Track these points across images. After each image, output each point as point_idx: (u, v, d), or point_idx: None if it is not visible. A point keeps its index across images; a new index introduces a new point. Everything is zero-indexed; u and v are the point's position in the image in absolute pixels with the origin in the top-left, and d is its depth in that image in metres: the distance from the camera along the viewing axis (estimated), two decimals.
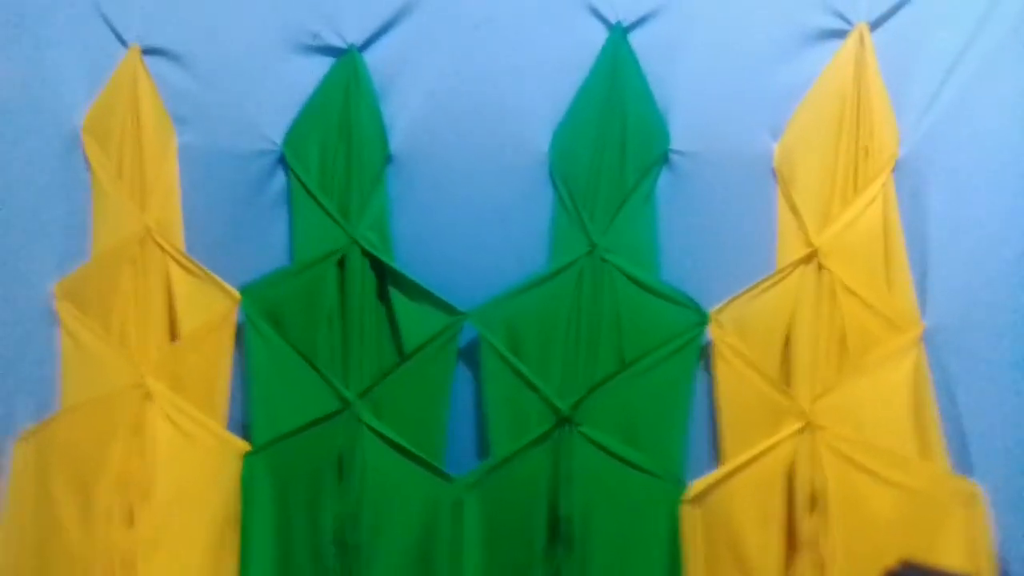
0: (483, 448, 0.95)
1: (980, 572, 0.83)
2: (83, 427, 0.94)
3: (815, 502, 0.87)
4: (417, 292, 0.92)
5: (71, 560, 0.94)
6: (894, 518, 0.86)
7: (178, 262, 0.94)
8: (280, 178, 0.95)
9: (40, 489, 0.95)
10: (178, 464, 0.93)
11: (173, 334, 0.96)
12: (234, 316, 0.94)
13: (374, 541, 0.92)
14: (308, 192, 0.92)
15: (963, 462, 0.86)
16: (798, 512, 0.88)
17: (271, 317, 0.93)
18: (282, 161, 0.94)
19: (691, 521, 0.89)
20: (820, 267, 0.88)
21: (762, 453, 0.87)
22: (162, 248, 0.94)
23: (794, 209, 0.88)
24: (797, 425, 0.87)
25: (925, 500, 0.85)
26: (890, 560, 0.86)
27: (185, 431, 0.93)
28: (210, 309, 0.93)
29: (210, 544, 0.93)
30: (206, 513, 0.93)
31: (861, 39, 0.86)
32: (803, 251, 0.88)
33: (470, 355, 0.94)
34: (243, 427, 0.95)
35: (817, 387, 0.88)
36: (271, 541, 0.92)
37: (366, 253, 0.92)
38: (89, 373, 0.94)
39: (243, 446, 0.93)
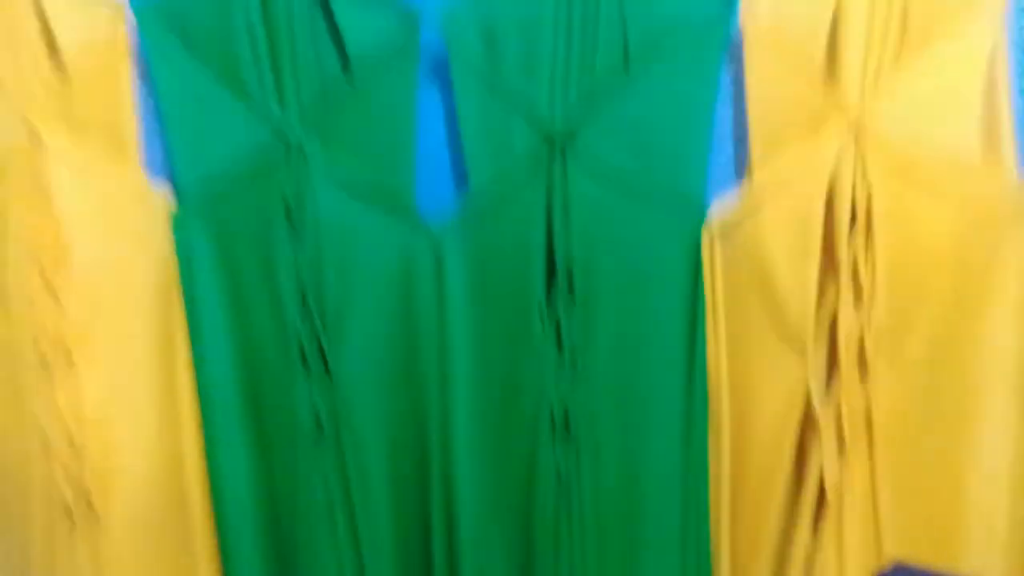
0: (460, 185, 0.79)
1: None
2: None
3: (857, 221, 0.74)
4: None
5: None
6: (949, 236, 0.73)
7: None
8: None
9: None
10: (93, 227, 0.77)
11: (57, 70, 0.76)
12: (128, 36, 0.75)
13: (343, 302, 0.79)
14: None
15: None
16: (837, 235, 0.75)
17: (175, 32, 0.73)
18: None
19: (713, 255, 0.76)
20: None
21: (799, 167, 0.73)
22: None
23: None
24: (841, 129, 0.72)
25: (986, 212, 0.72)
26: (940, 286, 0.74)
27: (95, 187, 0.76)
28: (94, 27, 0.74)
29: (154, 314, 0.80)
30: (140, 280, 0.79)
31: None
32: None
33: (437, 70, 0.76)
34: (166, 175, 0.79)
35: (868, 82, 0.72)
36: (222, 311, 0.79)
37: None
38: None
39: (169, 199, 0.77)
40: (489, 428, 0.81)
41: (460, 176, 0.79)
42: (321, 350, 0.80)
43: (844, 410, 0.78)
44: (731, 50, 0.74)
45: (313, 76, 0.75)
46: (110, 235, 0.78)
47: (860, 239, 0.75)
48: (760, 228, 0.75)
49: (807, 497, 0.80)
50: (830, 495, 0.79)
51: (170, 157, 0.77)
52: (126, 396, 0.82)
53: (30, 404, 0.80)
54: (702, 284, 0.76)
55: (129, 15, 0.74)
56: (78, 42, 0.75)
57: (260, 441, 0.82)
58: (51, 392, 0.81)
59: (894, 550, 0.80)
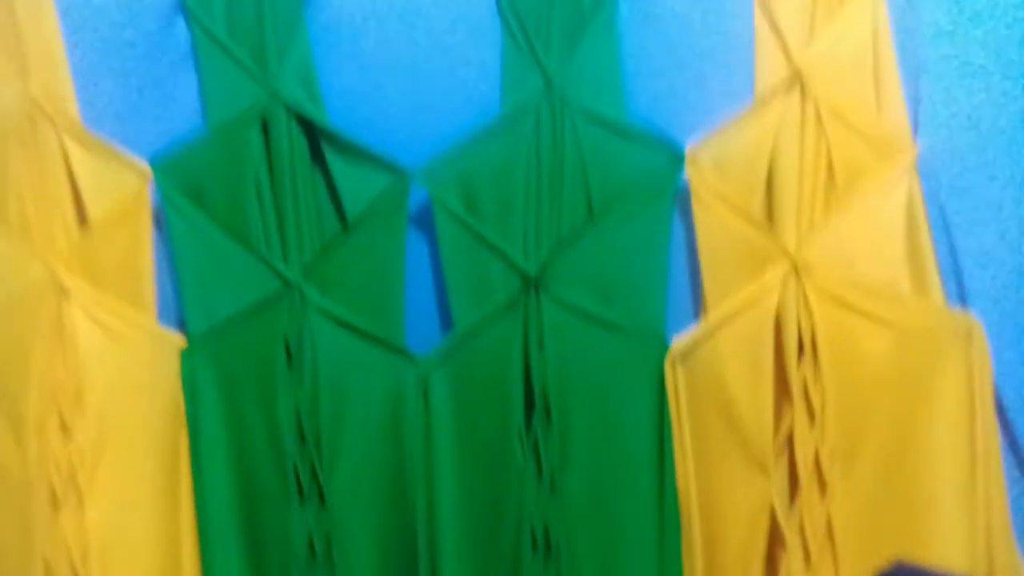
0: (445, 322, 0.86)
1: (979, 409, 0.79)
2: None
3: (804, 350, 0.82)
4: (355, 153, 0.82)
5: (5, 476, 0.85)
6: (888, 360, 0.80)
7: (75, 138, 0.81)
8: (183, 28, 0.82)
9: None
10: (107, 366, 0.83)
11: (81, 222, 0.84)
12: (148, 195, 0.82)
13: (337, 431, 0.84)
14: (215, 40, 0.80)
15: (959, 296, 0.81)
16: (787, 362, 0.82)
17: (190, 193, 0.82)
18: (182, 7, 0.82)
19: (675, 381, 0.83)
20: (803, 91, 0.79)
21: (748, 302, 0.80)
22: (54, 123, 0.81)
23: (774, 26, 0.79)
24: (784, 268, 0.80)
25: (921, 338, 0.79)
26: (885, 405, 0.81)
27: (110, 329, 0.83)
28: (119, 189, 0.82)
29: (159, 448, 0.85)
30: (148, 417, 0.85)
31: None
32: (784, 74, 0.79)
33: (422, 220, 0.85)
34: (178, 320, 0.86)
35: (804, 226, 0.80)
36: (224, 440, 0.84)
37: (291, 110, 0.80)
38: None
39: (178, 341, 0.84)
40: (475, 548, 0.85)
41: (444, 313, 0.86)
42: (316, 477, 0.84)
43: (807, 524, 0.83)
44: (681, 202, 0.83)
45: (313, 231, 0.83)
46: (124, 376, 0.84)
47: (808, 365, 0.81)
48: (717, 356, 0.82)
49: None
50: None
51: (182, 304, 0.84)
52: (130, 528, 0.86)
53: (37, 536, 0.84)
54: (665, 404, 0.83)
55: (150, 176, 0.82)
56: (102, 199, 0.83)
57: (256, 566, 0.85)
58: (58, 524, 0.85)
59: None
